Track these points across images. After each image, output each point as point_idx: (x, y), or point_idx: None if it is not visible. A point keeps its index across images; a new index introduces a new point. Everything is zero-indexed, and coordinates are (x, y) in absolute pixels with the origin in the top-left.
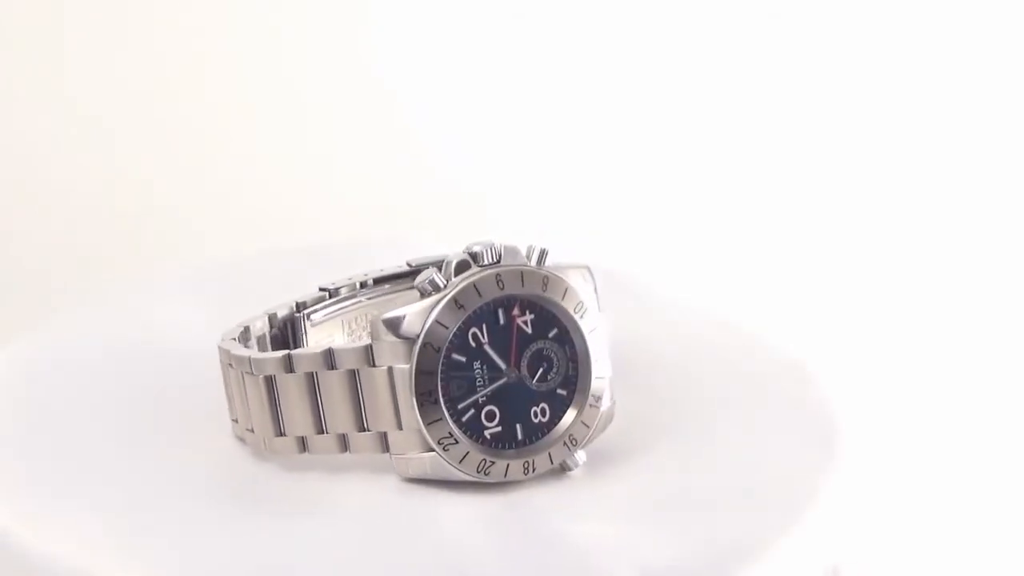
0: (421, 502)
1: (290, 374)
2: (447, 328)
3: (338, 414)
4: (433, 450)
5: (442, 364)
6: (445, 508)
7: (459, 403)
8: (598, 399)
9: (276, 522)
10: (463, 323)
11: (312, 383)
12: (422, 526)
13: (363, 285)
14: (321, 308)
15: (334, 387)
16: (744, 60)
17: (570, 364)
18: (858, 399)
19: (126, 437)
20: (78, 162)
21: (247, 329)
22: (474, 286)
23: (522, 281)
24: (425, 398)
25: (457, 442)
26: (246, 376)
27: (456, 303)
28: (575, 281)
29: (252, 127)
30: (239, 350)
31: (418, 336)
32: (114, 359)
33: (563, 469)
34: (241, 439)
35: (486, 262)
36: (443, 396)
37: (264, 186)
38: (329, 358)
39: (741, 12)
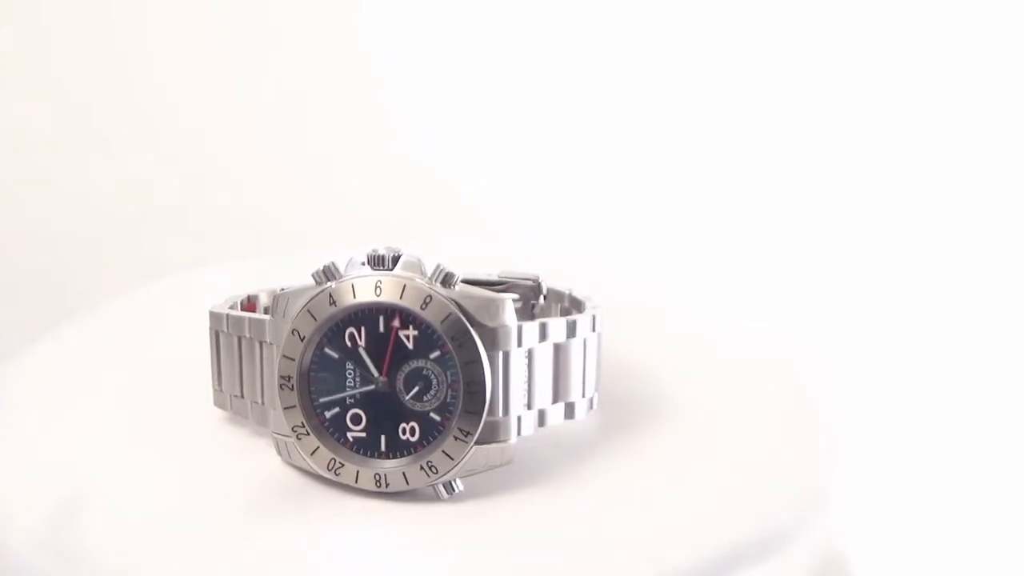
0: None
1: (225, 334)
2: (315, 320)
3: (248, 382)
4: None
5: (309, 354)
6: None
7: (321, 397)
8: (468, 434)
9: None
10: (339, 320)
11: (239, 347)
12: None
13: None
14: None
15: (249, 355)
16: (745, 60)
17: (449, 391)
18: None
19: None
20: (78, 163)
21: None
22: (352, 285)
23: (401, 293)
24: (284, 382)
25: (308, 434)
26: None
27: (330, 298)
28: (485, 309)
29: (253, 129)
30: (214, 307)
31: (291, 320)
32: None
33: (436, 494)
34: None
35: (384, 267)
36: (303, 385)
37: (264, 187)
38: (247, 325)
39: (741, 12)
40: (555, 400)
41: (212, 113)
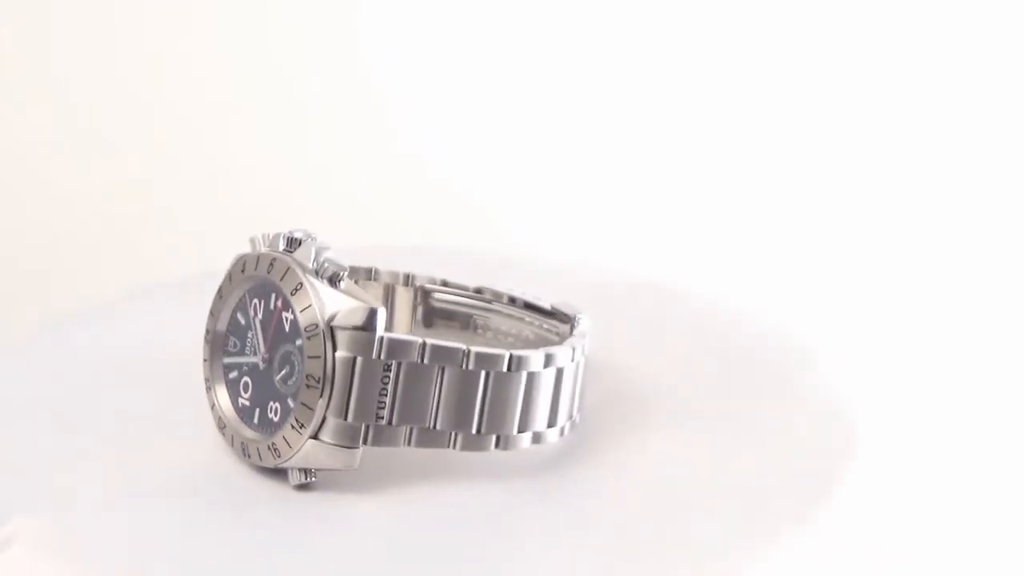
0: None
1: None
2: (231, 283)
3: None
4: None
5: (225, 315)
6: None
7: (224, 359)
8: (303, 427)
9: None
10: (247, 289)
11: None
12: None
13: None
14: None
15: None
16: (745, 60)
17: (303, 380)
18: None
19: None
20: (78, 163)
21: None
22: (257, 258)
23: (282, 276)
24: (206, 336)
25: (211, 389)
26: None
27: (242, 267)
28: (351, 312)
29: (252, 129)
30: None
31: None
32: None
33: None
34: None
35: (290, 248)
36: (217, 342)
37: (264, 188)
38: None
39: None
40: (453, 426)
41: (211, 113)
